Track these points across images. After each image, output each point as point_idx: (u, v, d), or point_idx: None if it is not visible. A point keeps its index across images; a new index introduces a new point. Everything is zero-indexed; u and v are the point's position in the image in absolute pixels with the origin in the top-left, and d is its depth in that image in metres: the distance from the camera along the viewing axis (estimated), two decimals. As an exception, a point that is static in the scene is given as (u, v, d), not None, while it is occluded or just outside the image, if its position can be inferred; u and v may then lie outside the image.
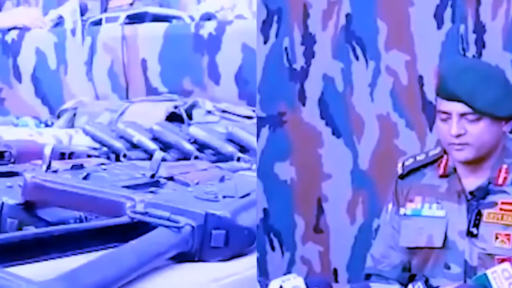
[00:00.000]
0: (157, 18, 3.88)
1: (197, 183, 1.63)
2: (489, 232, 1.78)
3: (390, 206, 1.93)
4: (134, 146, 2.81)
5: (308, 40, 2.61)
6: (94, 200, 1.37)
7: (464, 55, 2.44)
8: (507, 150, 1.83)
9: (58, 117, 3.68)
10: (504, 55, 2.40)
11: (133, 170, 1.76)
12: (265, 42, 2.62)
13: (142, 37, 3.77)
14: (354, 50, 2.58)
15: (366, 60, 2.57)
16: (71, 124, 3.60)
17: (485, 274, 1.49)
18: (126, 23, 3.83)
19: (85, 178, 1.58)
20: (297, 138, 2.63)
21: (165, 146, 2.75)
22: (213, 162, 2.56)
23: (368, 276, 1.93)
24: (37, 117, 3.91)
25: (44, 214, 1.41)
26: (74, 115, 3.61)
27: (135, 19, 3.87)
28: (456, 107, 1.77)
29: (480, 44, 2.44)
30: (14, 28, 4.10)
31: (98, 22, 3.95)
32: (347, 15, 2.57)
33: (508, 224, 1.77)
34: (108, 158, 2.82)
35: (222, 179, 1.58)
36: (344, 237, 2.56)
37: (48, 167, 1.69)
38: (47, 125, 3.73)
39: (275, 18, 2.62)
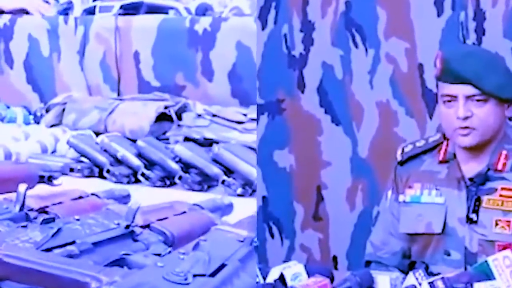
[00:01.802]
0: (153, 9, 3.86)
1: (169, 252, 1.55)
2: (488, 218, 1.78)
3: (389, 193, 1.93)
4: (118, 161, 2.78)
5: (307, 27, 2.60)
6: (58, 278, 1.29)
7: (464, 42, 2.43)
8: (507, 137, 1.83)
9: (47, 110, 3.65)
10: (504, 43, 2.39)
11: (108, 219, 1.69)
12: (263, 29, 2.62)
13: (136, 29, 3.74)
14: (353, 37, 2.57)
15: (366, 48, 2.56)
16: (59, 120, 3.57)
17: (486, 261, 1.49)
18: (120, 13, 3.80)
19: (56, 233, 1.51)
20: (296, 126, 2.62)
21: (150, 163, 2.73)
22: (197, 182, 2.54)
23: (368, 263, 1.93)
24: (27, 107, 3.89)
25: (7, 286, 1.35)
26: (63, 110, 3.58)
27: (130, 9, 3.84)
28: (463, 90, 1.77)
29: (480, 31, 2.43)
30: (15, 11, 4.06)
31: (92, 11, 3.92)
32: (346, 2, 2.56)
33: (508, 210, 1.77)
34: (92, 171, 2.80)
35: (196, 246, 1.51)
36: (344, 225, 2.56)
37: (22, 207, 1.69)
38: (35, 117, 3.70)
39: (273, 4, 2.62)
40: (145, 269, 1.38)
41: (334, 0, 2.57)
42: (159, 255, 1.54)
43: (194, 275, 1.33)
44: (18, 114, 3.75)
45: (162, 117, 3.32)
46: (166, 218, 1.80)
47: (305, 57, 2.61)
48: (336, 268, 2.52)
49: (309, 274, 1.56)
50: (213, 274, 1.36)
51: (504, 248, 1.69)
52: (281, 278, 1.54)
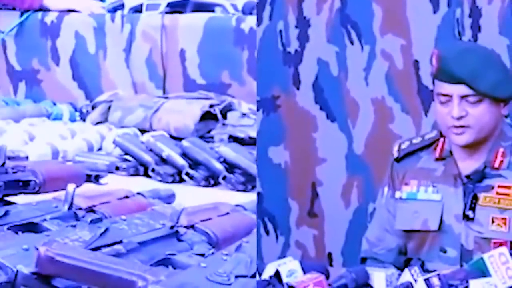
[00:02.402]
0: (199, 6, 3.88)
1: (212, 253, 1.62)
2: (485, 215, 1.78)
3: (386, 189, 1.92)
4: (163, 160, 2.82)
5: (303, 24, 2.60)
6: (106, 277, 1.36)
7: (460, 39, 2.43)
8: (503, 134, 1.83)
9: (93, 108, 3.70)
10: (500, 40, 2.39)
11: (154, 219, 1.77)
12: (258, 25, 2.61)
13: (182, 27, 3.75)
14: (349, 34, 2.57)
15: (361, 44, 2.56)
16: (104, 117, 3.62)
17: (482, 258, 1.48)
18: (167, 12, 3.83)
19: (104, 232, 1.59)
20: (291, 122, 2.62)
21: (194, 163, 2.76)
22: (241, 182, 2.58)
23: (363, 260, 1.93)
24: (73, 103, 3.93)
25: (58, 282, 1.43)
26: (109, 108, 3.63)
27: (177, 6, 3.87)
28: (457, 89, 1.77)
29: (476, 28, 2.43)
30: (62, 11, 4.11)
31: (139, 9, 3.95)
32: (342, -1, 2.56)
33: (504, 208, 1.77)
34: (137, 170, 2.84)
35: (238, 247, 1.57)
36: (339, 222, 2.56)
37: (70, 206, 1.78)
38: (81, 114, 3.73)
39: (269, 0, 2.61)
40: (189, 269, 1.45)
41: (329, -4, 2.57)
42: (202, 255, 1.61)
43: (236, 276, 1.38)
44: (65, 111, 3.79)
45: (207, 116, 3.33)
46: (209, 219, 1.84)
47: (300, 54, 2.60)
48: (331, 265, 2.52)
49: (305, 271, 1.55)
50: (254, 275, 1.41)
51: (500, 245, 1.69)
52: (277, 274, 1.54)
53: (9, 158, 2.14)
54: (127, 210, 1.88)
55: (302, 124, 2.60)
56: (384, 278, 1.55)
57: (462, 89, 1.77)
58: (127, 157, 2.91)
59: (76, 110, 3.82)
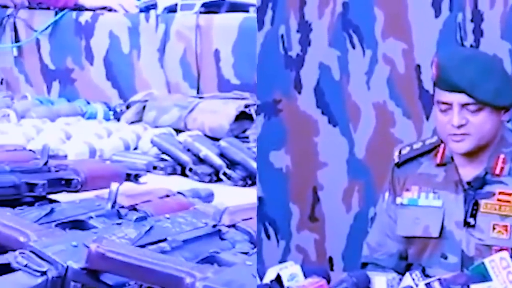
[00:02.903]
0: (234, 6, 3.88)
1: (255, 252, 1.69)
2: (486, 222, 1.78)
3: (386, 194, 1.92)
4: (201, 160, 2.83)
5: (304, 28, 2.60)
6: (156, 273, 1.41)
7: (461, 44, 2.43)
8: (504, 140, 1.82)
9: (128, 107, 3.71)
10: (502, 44, 2.39)
11: (196, 218, 1.82)
12: (260, 29, 2.61)
13: (217, 28, 3.78)
14: (351, 38, 2.56)
15: (363, 48, 2.55)
16: (139, 117, 3.64)
17: (483, 263, 1.49)
18: (201, 12, 3.84)
19: (149, 230, 1.65)
20: (293, 127, 2.61)
21: (231, 163, 2.77)
22: None
23: (364, 265, 1.93)
24: (107, 102, 3.95)
25: (106, 278, 1.48)
26: (144, 107, 3.63)
27: (211, 6, 3.87)
28: (457, 98, 1.77)
29: (478, 32, 2.43)
30: (96, 9, 4.11)
31: (173, 9, 3.96)
32: (344, 3, 2.56)
33: (505, 215, 1.77)
34: (174, 170, 2.88)
35: None
36: (340, 226, 2.55)
37: (114, 204, 1.85)
38: (115, 113, 3.75)
39: (270, 5, 2.61)
40: (235, 266, 1.52)
41: (331, 0, 2.56)
42: (246, 253, 1.67)
43: None
44: (99, 110, 3.82)
45: (242, 116, 3.33)
46: (251, 218, 1.89)
47: (302, 58, 2.60)
48: (332, 269, 2.51)
49: (306, 275, 1.55)
50: None
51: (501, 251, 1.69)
52: (278, 278, 1.54)
53: (49, 156, 2.18)
54: (169, 208, 1.94)
55: (303, 129, 2.60)
56: (385, 282, 1.55)
57: (462, 98, 1.76)
58: (164, 156, 2.94)
59: (110, 109, 3.84)
